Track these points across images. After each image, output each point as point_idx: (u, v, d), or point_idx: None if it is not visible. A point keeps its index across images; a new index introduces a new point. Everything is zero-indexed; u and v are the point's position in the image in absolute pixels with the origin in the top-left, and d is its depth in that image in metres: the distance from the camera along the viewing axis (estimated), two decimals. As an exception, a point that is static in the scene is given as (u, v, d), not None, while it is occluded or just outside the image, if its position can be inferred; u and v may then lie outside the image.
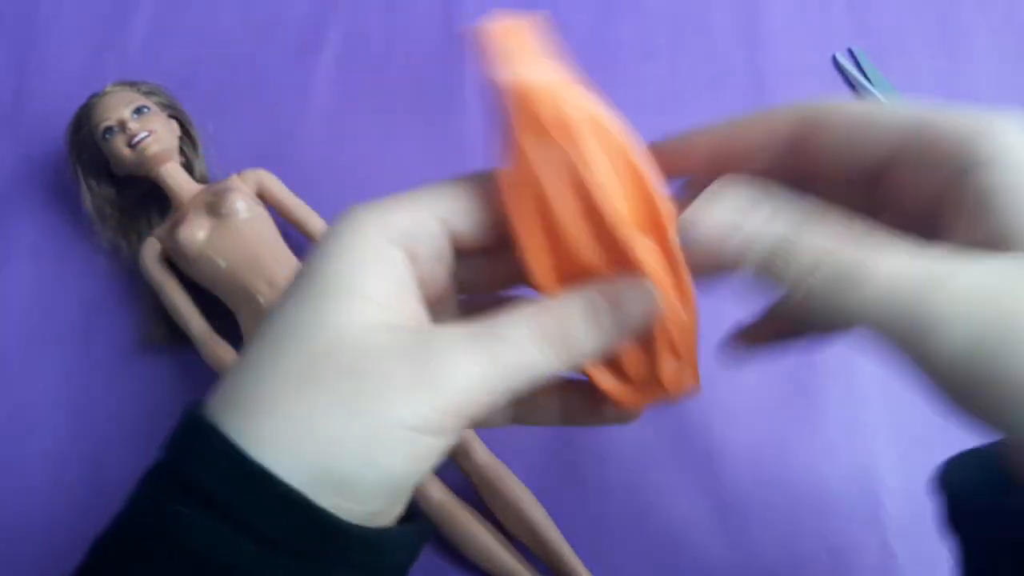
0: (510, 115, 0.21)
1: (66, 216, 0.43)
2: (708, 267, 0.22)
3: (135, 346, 0.40)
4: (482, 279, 0.25)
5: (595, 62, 0.47)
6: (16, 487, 0.38)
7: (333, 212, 0.41)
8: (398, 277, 0.22)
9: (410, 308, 0.22)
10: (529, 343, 0.21)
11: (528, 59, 0.22)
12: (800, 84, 0.46)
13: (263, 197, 0.41)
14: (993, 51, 0.47)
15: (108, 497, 0.37)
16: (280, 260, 0.38)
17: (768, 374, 0.39)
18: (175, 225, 0.39)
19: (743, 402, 0.39)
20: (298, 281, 0.22)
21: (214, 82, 0.46)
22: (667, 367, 0.23)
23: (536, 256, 0.22)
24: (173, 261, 0.40)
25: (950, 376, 0.20)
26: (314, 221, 0.41)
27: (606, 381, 0.24)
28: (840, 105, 0.24)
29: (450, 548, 0.36)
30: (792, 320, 0.27)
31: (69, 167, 0.42)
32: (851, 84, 0.46)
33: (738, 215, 0.22)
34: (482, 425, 0.26)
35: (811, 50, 0.47)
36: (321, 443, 0.20)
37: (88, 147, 0.41)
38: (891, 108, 0.23)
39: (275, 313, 0.22)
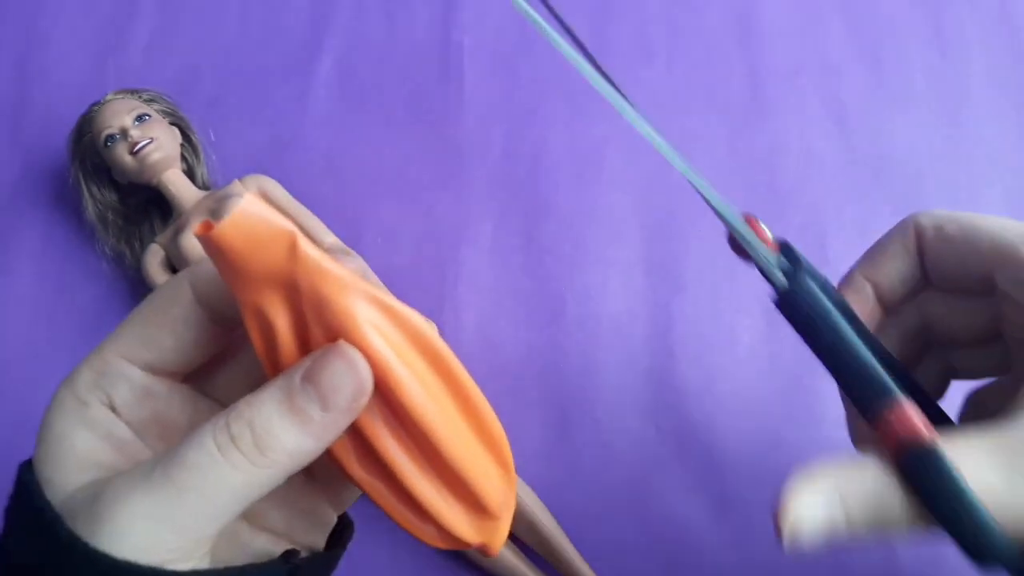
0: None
1: (69, 224, 0.43)
2: None
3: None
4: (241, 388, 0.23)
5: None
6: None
7: (334, 217, 0.42)
8: (101, 429, 0.22)
9: (110, 456, 0.21)
10: (219, 459, 0.18)
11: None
12: (798, 84, 0.46)
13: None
14: (986, 48, 0.47)
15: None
16: (282, 266, 0.38)
17: (768, 373, 0.40)
18: (178, 232, 0.39)
19: (744, 401, 0.40)
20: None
21: (215, 89, 0.46)
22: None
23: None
24: (176, 267, 0.40)
25: None
26: (316, 226, 0.41)
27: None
28: (953, 216, 0.25)
29: (454, 550, 0.36)
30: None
31: (71, 175, 0.42)
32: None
33: None
34: None
35: (807, 51, 0.47)
36: None
37: (90, 155, 0.42)
38: (998, 223, 0.24)
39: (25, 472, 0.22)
